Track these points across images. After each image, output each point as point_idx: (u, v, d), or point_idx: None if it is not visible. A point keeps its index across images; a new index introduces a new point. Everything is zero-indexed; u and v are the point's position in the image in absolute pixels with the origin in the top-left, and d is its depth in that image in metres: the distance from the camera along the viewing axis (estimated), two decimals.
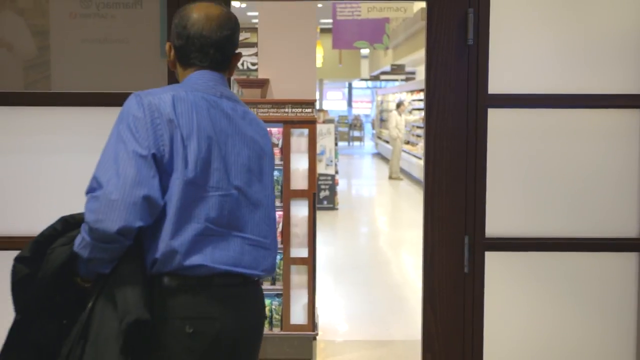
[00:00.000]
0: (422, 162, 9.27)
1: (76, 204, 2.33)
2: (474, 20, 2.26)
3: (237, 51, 2.10)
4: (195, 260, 1.87)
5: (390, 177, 14.04)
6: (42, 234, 1.97)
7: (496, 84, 2.29)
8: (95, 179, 1.88)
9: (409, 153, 15.75)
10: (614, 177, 2.34)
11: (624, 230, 2.36)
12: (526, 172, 2.34)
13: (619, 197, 2.35)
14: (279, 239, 5.55)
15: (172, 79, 2.28)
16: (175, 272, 1.85)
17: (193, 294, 1.86)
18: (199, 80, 2.00)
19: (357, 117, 26.79)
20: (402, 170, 15.10)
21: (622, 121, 2.33)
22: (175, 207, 1.87)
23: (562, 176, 2.34)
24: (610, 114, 2.33)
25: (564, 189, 2.34)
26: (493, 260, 2.34)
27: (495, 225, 2.33)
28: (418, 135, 16.98)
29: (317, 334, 5.65)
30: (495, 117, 2.30)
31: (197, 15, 1.99)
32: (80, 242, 1.83)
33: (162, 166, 1.88)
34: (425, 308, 2.36)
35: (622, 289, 2.37)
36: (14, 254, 2.31)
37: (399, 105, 17.39)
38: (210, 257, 1.89)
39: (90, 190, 1.88)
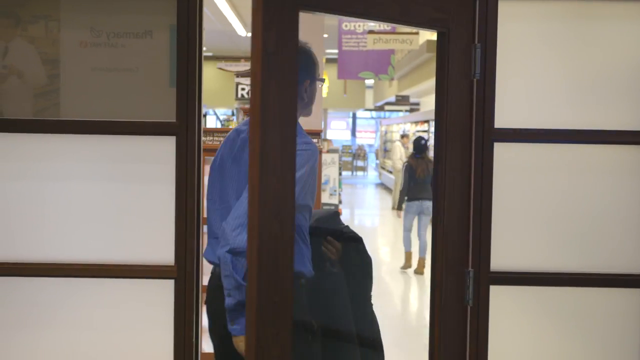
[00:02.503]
0: None
1: (82, 231, 2.34)
2: (482, 54, 2.28)
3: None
4: None
5: (394, 208, 13.98)
6: None
7: (503, 118, 2.30)
8: None
9: None
10: (620, 213, 2.34)
11: (630, 266, 2.35)
12: (532, 207, 2.34)
13: (625, 233, 2.35)
14: None
15: (181, 108, 2.30)
16: None
17: None
18: None
19: (360, 147, 26.84)
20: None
21: (629, 157, 2.34)
22: None
23: (568, 211, 2.34)
24: (618, 150, 2.34)
25: (570, 224, 2.34)
26: (498, 294, 2.33)
27: (501, 259, 2.33)
28: None
29: None
30: (502, 151, 2.31)
31: None
32: None
33: None
34: (431, 340, 2.35)
35: (628, 324, 2.36)
36: (19, 280, 2.33)
37: (403, 136, 17.42)
38: None
39: None
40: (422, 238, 8.52)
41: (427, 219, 8.52)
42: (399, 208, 9.07)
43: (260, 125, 1.67)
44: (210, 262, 2.40)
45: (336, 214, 2.97)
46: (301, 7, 1.80)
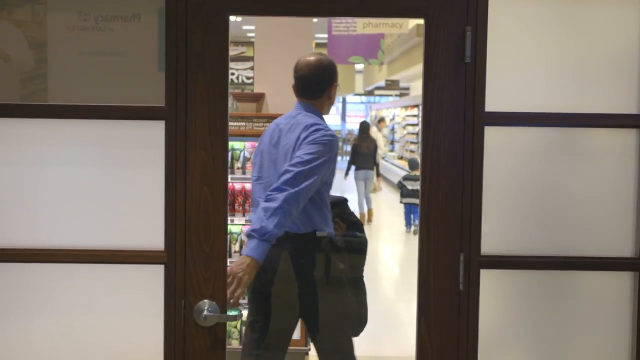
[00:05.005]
0: None
1: (72, 216, 2.33)
2: (472, 38, 2.27)
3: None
4: None
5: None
6: None
7: (493, 102, 2.30)
8: None
9: (401, 168, 15.77)
10: (610, 196, 2.35)
11: (620, 249, 2.36)
12: (522, 190, 2.34)
13: (614, 217, 2.35)
14: None
15: (170, 93, 2.29)
16: None
17: None
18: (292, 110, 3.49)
19: (350, 132, 26.82)
20: (391, 182, 15.72)
21: (618, 140, 2.34)
22: None
23: (559, 195, 2.35)
24: (607, 133, 2.34)
25: (560, 207, 2.35)
26: (488, 278, 2.34)
27: (491, 243, 2.33)
28: (412, 151, 16.99)
29: (309, 349, 5.62)
30: (492, 135, 2.31)
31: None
32: None
33: None
34: (419, 325, 2.35)
35: (617, 307, 2.37)
36: (9, 266, 2.32)
37: (380, 121, 17.82)
38: None
39: None
40: (368, 197, 12.19)
41: (371, 184, 12.47)
42: (346, 174, 12.48)
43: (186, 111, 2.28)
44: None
45: (345, 200, 3.75)
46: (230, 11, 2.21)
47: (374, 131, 15.88)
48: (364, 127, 12.63)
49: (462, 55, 2.29)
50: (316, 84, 3.44)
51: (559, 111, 2.32)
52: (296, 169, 3.12)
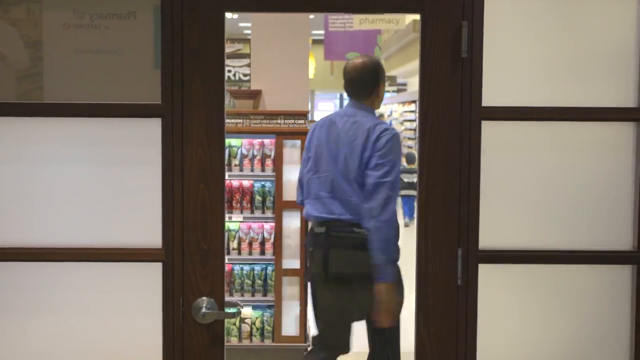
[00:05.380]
0: None
1: (69, 215, 2.33)
2: (468, 32, 2.27)
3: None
4: None
5: None
6: None
7: (490, 97, 2.30)
8: None
9: None
10: (608, 190, 2.35)
11: (618, 242, 2.36)
12: (520, 185, 2.34)
13: (613, 210, 2.35)
14: (270, 250, 5.55)
15: (166, 90, 2.28)
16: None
17: None
18: (343, 109, 3.93)
19: None
20: None
21: (616, 134, 2.34)
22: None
23: (557, 189, 2.34)
24: (605, 127, 2.34)
25: (558, 201, 2.35)
26: (487, 273, 2.34)
27: (489, 237, 2.33)
28: (409, 147, 16.97)
29: (308, 346, 5.62)
30: (490, 130, 2.31)
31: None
32: None
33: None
34: (417, 320, 2.35)
35: (617, 301, 2.37)
36: (6, 265, 2.31)
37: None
38: None
39: None
40: None
41: None
42: None
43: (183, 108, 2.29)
44: (316, 218, 3.75)
45: None
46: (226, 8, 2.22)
47: None
48: None
49: (458, 50, 2.28)
50: (366, 85, 3.79)
51: (556, 105, 2.32)
52: (389, 186, 3.58)
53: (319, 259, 3.72)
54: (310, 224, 3.94)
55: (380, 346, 3.94)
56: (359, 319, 3.92)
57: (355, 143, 3.65)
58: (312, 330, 6.05)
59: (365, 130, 3.65)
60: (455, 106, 2.30)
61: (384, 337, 3.89)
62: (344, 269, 3.73)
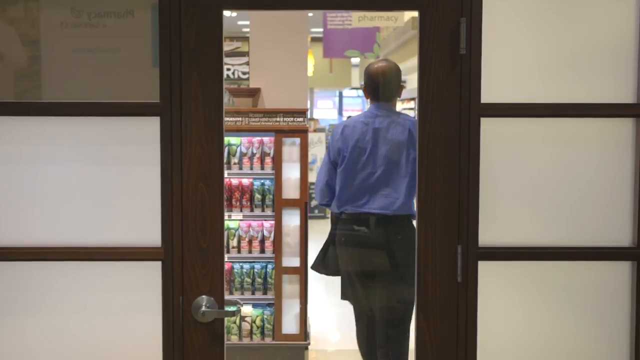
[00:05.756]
0: None
1: (68, 214, 2.32)
2: (467, 29, 2.26)
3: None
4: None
5: None
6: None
7: (489, 93, 2.29)
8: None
9: None
10: (607, 186, 2.34)
11: (618, 239, 2.35)
12: (520, 181, 2.33)
13: (612, 206, 2.35)
14: (270, 248, 5.55)
15: (165, 88, 2.28)
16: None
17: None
18: (367, 111, 4.24)
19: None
20: None
21: (615, 130, 2.33)
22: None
23: (556, 185, 2.34)
24: (604, 123, 2.33)
25: (557, 198, 2.34)
26: (486, 270, 2.33)
27: (489, 234, 2.33)
28: None
29: (309, 344, 5.63)
30: (489, 127, 2.30)
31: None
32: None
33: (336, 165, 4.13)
34: (418, 318, 2.35)
35: (616, 297, 2.37)
36: (5, 265, 2.31)
37: None
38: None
39: None
40: None
41: None
42: None
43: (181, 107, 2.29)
44: (368, 212, 4.09)
45: None
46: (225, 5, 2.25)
47: None
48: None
49: (457, 47, 2.28)
50: (392, 88, 4.15)
51: (555, 101, 2.31)
52: None
53: (370, 249, 4.13)
54: (344, 216, 4.21)
55: (393, 340, 4.20)
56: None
57: (399, 141, 4.04)
58: (312, 328, 6.05)
59: (407, 129, 4.04)
60: (454, 103, 2.29)
61: (397, 331, 4.17)
62: (404, 255, 4.06)
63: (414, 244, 3.44)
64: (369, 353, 4.35)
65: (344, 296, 4.42)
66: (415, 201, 3.39)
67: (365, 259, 4.18)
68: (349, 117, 3.55)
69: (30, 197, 2.32)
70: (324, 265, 4.40)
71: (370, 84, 4.16)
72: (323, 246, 4.38)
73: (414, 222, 3.43)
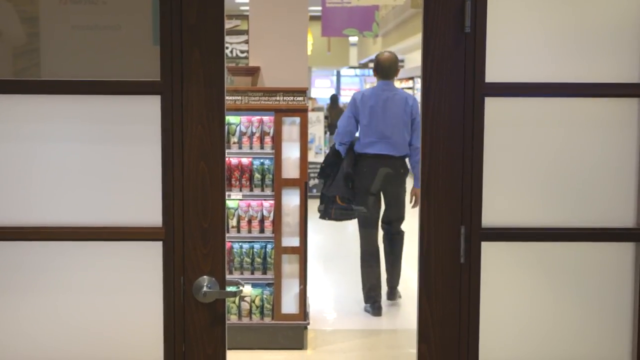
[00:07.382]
0: None
1: (67, 193, 2.31)
2: (472, 8, 2.24)
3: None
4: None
5: None
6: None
7: (494, 73, 2.27)
8: (337, 127, 6.50)
9: None
10: (611, 167, 2.33)
11: (621, 220, 2.34)
12: (523, 162, 2.32)
13: (616, 187, 2.34)
14: (269, 228, 5.55)
15: (165, 66, 2.25)
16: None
17: None
18: (377, 86, 6.49)
19: (345, 105, 26.76)
20: None
21: (620, 110, 2.32)
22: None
23: (560, 166, 2.33)
24: (609, 103, 2.31)
25: (561, 178, 2.33)
26: (489, 251, 2.32)
27: (492, 215, 2.32)
28: None
29: (308, 323, 5.62)
30: (493, 106, 2.28)
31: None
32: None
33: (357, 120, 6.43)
34: (421, 298, 2.34)
35: (619, 278, 2.36)
36: (3, 244, 2.30)
37: None
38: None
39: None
40: None
41: None
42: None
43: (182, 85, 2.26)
44: (380, 153, 6.34)
45: None
46: None
47: None
48: (333, 99, 18.53)
49: (461, 26, 2.25)
50: (394, 71, 6.45)
51: (560, 81, 2.29)
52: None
53: (382, 174, 6.36)
54: (366, 156, 6.38)
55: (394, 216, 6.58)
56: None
57: (399, 108, 6.29)
58: (312, 307, 6.05)
59: (404, 100, 6.32)
60: (458, 82, 2.27)
61: (396, 210, 6.59)
62: (393, 180, 6.42)
63: (407, 173, 6.38)
64: (371, 272, 6.31)
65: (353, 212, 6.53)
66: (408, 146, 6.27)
67: (379, 180, 6.35)
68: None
69: (28, 177, 2.30)
70: (349, 192, 6.39)
71: (379, 68, 6.41)
72: (343, 180, 6.33)
73: (407, 160, 6.45)
